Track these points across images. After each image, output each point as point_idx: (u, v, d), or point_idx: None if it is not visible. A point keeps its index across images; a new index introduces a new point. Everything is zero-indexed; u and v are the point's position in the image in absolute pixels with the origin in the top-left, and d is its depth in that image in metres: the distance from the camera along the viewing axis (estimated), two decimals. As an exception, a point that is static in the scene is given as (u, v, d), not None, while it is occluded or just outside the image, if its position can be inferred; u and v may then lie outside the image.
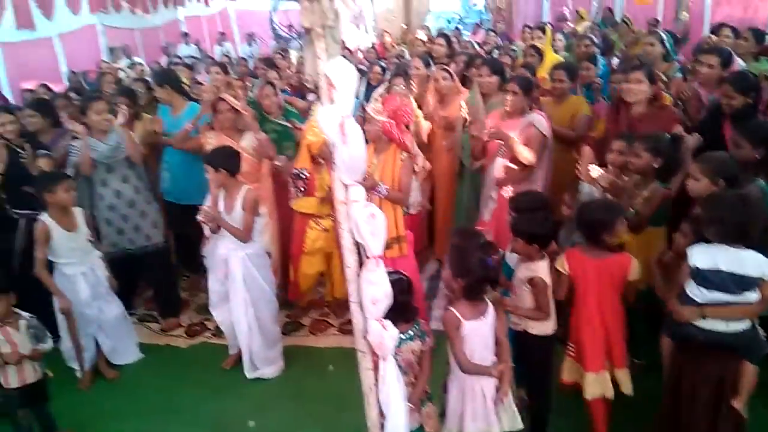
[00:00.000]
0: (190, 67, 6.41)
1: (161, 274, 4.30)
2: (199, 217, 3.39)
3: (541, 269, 2.62)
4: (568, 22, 10.02)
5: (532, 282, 2.61)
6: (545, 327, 2.66)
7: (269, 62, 6.64)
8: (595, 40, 6.11)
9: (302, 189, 3.83)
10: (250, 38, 14.19)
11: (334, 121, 1.74)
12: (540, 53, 5.69)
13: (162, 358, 3.96)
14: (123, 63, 9.86)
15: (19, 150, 3.80)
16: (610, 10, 10.20)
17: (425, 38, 9.60)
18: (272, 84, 4.61)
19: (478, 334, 2.36)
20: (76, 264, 3.50)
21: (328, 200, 3.74)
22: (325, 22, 1.65)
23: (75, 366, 3.63)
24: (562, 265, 2.67)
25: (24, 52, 9.60)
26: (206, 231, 3.86)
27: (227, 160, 3.38)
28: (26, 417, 3.03)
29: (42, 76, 8.43)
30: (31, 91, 6.42)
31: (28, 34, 9.61)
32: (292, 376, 3.66)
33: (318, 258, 4.00)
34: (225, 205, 3.42)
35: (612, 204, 2.88)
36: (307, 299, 4.31)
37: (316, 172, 3.82)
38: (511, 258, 2.81)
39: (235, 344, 3.68)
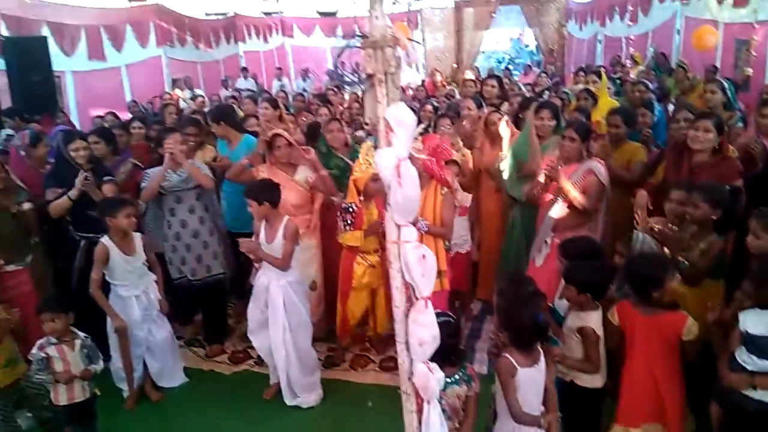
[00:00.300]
0: (255, 101, 6.60)
1: (214, 302, 4.40)
2: (241, 247, 3.48)
3: (592, 319, 2.56)
4: (625, 67, 9.86)
5: (583, 332, 2.55)
6: (594, 380, 2.59)
7: (323, 98, 6.84)
8: (650, 85, 6.03)
9: (349, 223, 3.88)
10: (304, 73, 14.67)
11: (390, 163, 1.77)
12: (594, 97, 5.66)
13: (205, 384, 4.02)
14: (185, 94, 10.34)
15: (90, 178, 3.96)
16: (665, 55, 10.04)
17: (473, 78, 9.74)
18: (338, 119, 4.75)
19: (532, 381, 2.32)
20: (131, 287, 3.62)
21: (370, 233, 3.80)
22: (388, 70, 1.71)
23: (123, 386, 3.73)
24: (614, 316, 2.60)
25: (93, 81, 10.19)
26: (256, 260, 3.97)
27: (269, 193, 3.48)
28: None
29: (108, 104, 8.92)
30: (101, 117, 6.76)
31: (97, 64, 10.25)
32: (331, 410, 3.65)
33: (365, 294, 4.01)
34: (267, 235, 3.52)
35: (663, 259, 2.79)
36: (347, 338, 4.28)
37: (364, 208, 3.87)
38: (562, 305, 2.76)
39: (276, 373, 3.71)
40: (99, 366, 3.14)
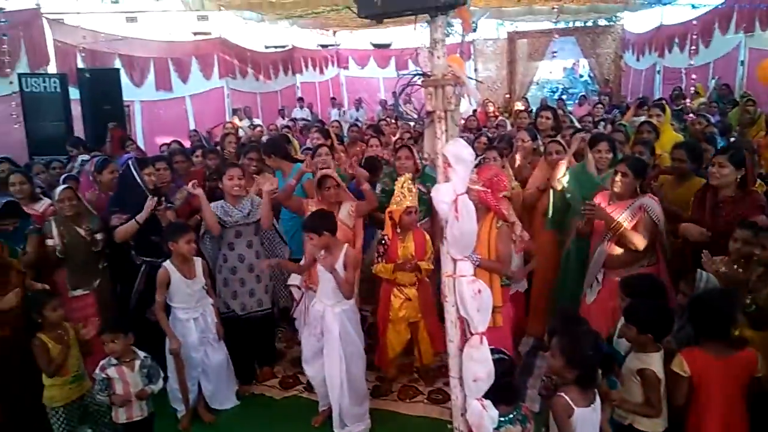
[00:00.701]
0: (326, 133, 6.62)
1: (263, 331, 4.38)
2: (319, 262, 3.48)
3: (654, 362, 2.46)
4: (685, 99, 9.56)
5: (643, 375, 2.46)
6: (655, 424, 2.48)
7: (376, 128, 6.97)
8: (711, 119, 5.84)
9: (380, 254, 3.86)
10: (358, 103, 15.00)
11: (448, 197, 1.80)
12: (656, 130, 5.50)
13: (255, 407, 4.08)
14: (243, 123, 10.74)
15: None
16: (728, 86, 9.70)
17: (522, 108, 9.71)
18: (409, 147, 4.81)
19: (588, 422, 2.26)
20: (190, 310, 3.74)
21: (399, 269, 3.76)
22: (447, 107, 1.75)
23: (178, 406, 3.82)
24: (681, 366, 2.47)
25: (159, 110, 10.76)
26: (295, 294, 4.04)
27: (327, 222, 3.53)
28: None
29: (173, 133, 9.39)
30: (168, 145, 7.09)
31: (164, 94, 10.82)
32: (378, 441, 3.63)
33: (404, 327, 3.96)
34: (327, 264, 3.55)
35: (731, 293, 2.68)
36: (394, 367, 4.23)
37: (400, 240, 3.83)
38: (621, 344, 2.67)
39: (326, 401, 3.73)
40: (157, 386, 3.25)
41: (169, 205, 4.27)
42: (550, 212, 4.36)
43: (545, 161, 4.56)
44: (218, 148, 6.42)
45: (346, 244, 3.61)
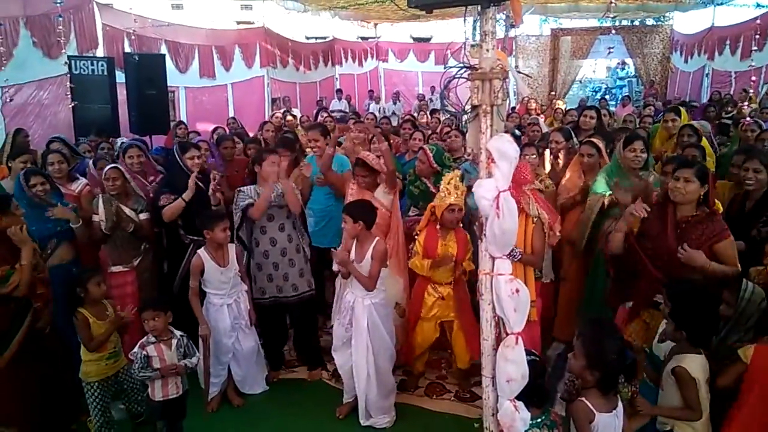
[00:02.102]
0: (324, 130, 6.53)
1: (304, 322, 4.34)
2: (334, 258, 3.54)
3: (690, 362, 2.38)
4: (738, 105, 9.12)
5: (675, 373, 2.38)
6: (696, 430, 2.40)
7: (413, 123, 6.92)
8: (763, 125, 5.59)
9: (410, 249, 3.84)
10: (395, 97, 14.95)
11: (490, 194, 1.77)
12: (697, 133, 5.30)
13: (282, 392, 4.13)
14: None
15: (199, 183, 4.17)
16: (784, 92, 9.28)
17: (563, 107, 9.53)
18: (461, 131, 4.85)
19: (609, 428, 2.20)
20: (224, 296, 3.79)
21: (437, 266, 3.69)
22: (494, 101, 1.72)
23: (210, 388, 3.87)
24: (746, 352, 2.42)
25: (202, 97, 10.93)
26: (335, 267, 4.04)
27: (367, 215, 3.53)
28: (162, 428, 3.30)
29: (214, 119, 9.54)
30: (214, 131, 7.20)
31: (207, 81, 10.99)
32: (404, 436, 3.62)
33: (433, 325, 3.90)
34: (356, 254, 3.56)
35: None
36: (422, 363, 4.18)
37: (441, 239, 3.76)
38: (661, 349, 2.60)
39: (351, 392, 3.74)
40: (193, 362, 3.31)
41: (217, 186, 4.29)
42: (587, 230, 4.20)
43: (577, 162, 4.47)
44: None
45: (377, 238, 3.58)
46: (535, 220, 3.37)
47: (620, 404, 2.26)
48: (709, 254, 2.92)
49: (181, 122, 7.56)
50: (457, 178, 3.69)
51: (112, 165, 4.21)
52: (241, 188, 4.10)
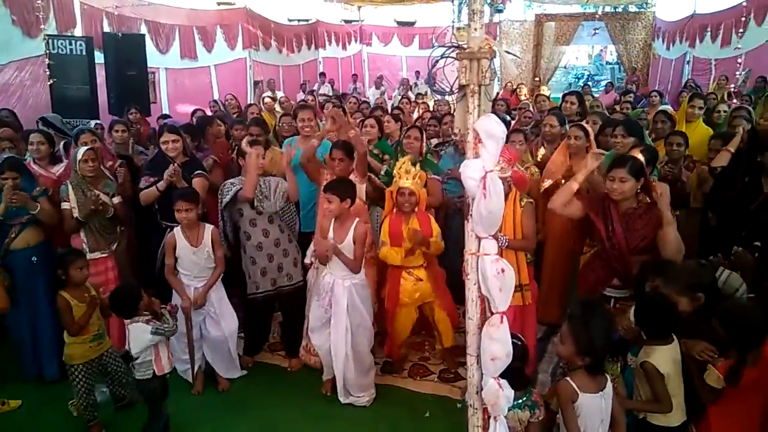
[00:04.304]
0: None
1: (295, 311, 4.22)
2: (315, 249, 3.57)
3: (657, 354, 2.42)
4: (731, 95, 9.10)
5: (643, 367, 2.43)
6: (669, 418, 2.46)
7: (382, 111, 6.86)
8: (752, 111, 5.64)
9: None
10: (378, 81, 14.84)
11: (477, 174, 1.78)
12: (672, 120, 5.36)
13: (266, 376, 4.15)
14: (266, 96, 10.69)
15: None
16: (765, 79, 9.35)
17: (547, 94, 9.59)
18: (418, 127, 4.82)
19: (594, 408, 2.25)
20: (192, 278, 3.74)
21: (413, 246, 3.65)
22: (482, 81, 1.72)
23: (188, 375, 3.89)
24: (716, 380, 2.33)
25: (184, 78, 10.73)
26: (307, 259, 4.07)
27: (352, 192, 3.56)
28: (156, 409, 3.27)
29: (196, 101, 9.38)
30: (193, 114, 7.08)
31: (189, 62, 10.80)
32: (387, 416, 3.66)
33: (413, 308, 3.93)
34: (336, 235, 3.57)
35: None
36: (405, 347, 4.22)
37: (405, 223, 3.74)
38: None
39: (330, 370, 3.78)
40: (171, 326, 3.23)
41: (199, 172, 4.24)
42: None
43: (565, 146, 4.49)
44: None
45: (357, 219, 3.59)
46: (523, 203, 3.41)
47: (609, 385, 2.30)
48: (656, 241, 3.10)
49: (132, 106, 6.80)
50: (408, 163, 3.73)
51: (88, 147, 4.07)
52: (224, 182, 4.04)
